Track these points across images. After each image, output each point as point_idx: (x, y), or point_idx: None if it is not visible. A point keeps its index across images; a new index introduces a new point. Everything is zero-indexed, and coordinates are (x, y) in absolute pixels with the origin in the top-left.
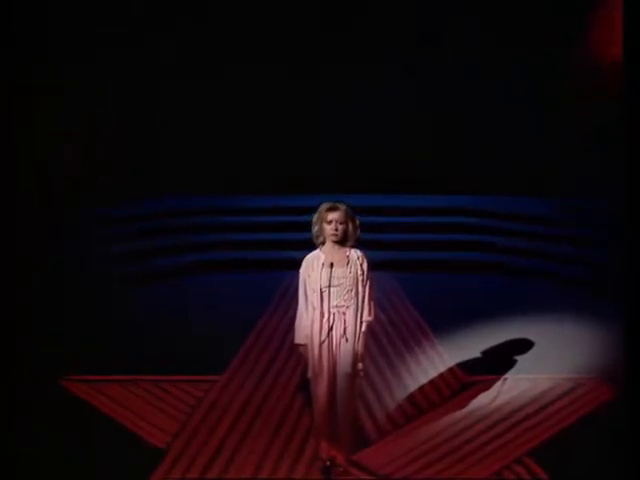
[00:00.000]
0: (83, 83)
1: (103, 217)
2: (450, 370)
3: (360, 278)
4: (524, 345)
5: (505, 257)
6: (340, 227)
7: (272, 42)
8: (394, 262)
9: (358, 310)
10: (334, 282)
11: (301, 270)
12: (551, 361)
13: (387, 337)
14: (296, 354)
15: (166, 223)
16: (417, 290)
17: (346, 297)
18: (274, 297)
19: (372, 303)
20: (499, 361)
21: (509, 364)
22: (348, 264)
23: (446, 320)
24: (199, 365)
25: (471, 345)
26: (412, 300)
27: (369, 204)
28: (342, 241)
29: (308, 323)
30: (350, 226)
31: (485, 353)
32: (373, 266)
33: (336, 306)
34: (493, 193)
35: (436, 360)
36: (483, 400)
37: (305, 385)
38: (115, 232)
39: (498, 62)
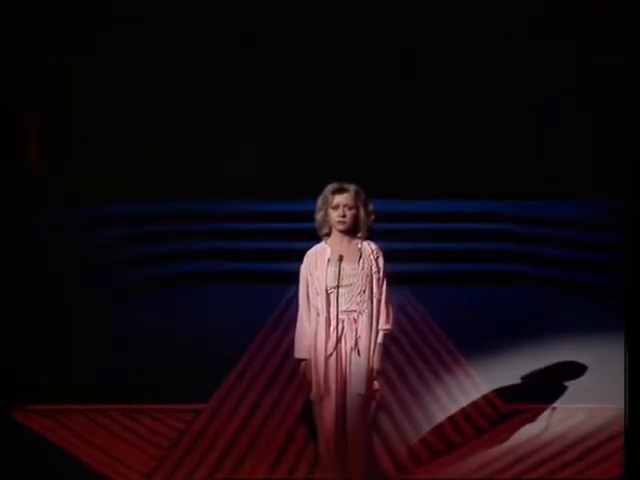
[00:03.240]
0: (65, 83)
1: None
2: (485, 397)
3: (375, 277)
4: (574, 368)
5: (539, 268)
6: (349, 213)
7: (268, 38)
8: (411, 274)
9: (373, 316)
10: (343, 281)
11: (302, 267)
12: (610, 387)
13: (406, 357)
14: (298, 373)
15: (147, 229)
16: (439, 305)
17: (358, 300)
18: (273, 312)
19: (390, 308)
20: (545, 387)
21: (558, 391)
22: (360, 259)
23: (476, 340)
24: (180, 391)
25: (509, 369)
26: (433, 316)
27: (380, 209)
28: (352, 230)
29: (311, 333)
30: (362, 212)
31: (527, 378)
32: (387, 279)
33: (346, 311)
34: (518, 197)
35: (467, 385)
36: (529, 432)
37: (308, 409)
38: (87, 239)
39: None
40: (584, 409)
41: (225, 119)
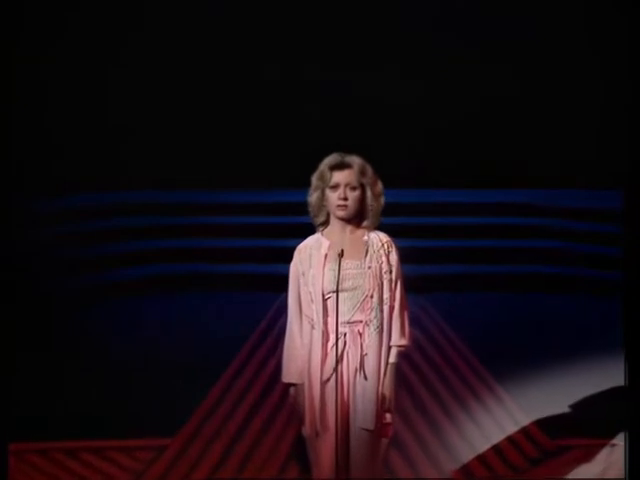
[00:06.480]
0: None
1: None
2: (524, 430)
3: (386, 277)
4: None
5: (585, 269)
6: (352, 195)
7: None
8: (428, 277)
9: (383, 329)
10: (345, 284)
11: (292, 266)
12: None
13: (423, 380)
14: (287, 401)
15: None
16: (462, 315)
17: (364, 308)
18: (257, 325)
19: (406, 317)
20: (600, 419)
21: (616, 423)
22: (366, 255)
23: (510, 358)
24: (139, 424)
25: (554, 394)
26: (456, 330)
27: (391, 200)
28: (356, 218)
29: (304, 350)
30: (368, 193)
31: (577, 406)
32: (401, 280)
33: (348, 322)
34: (561, 186)
35: (500, 415)
36: (583, 475)
37: (300, 447)
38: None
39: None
40: None
41: (214, 107)
